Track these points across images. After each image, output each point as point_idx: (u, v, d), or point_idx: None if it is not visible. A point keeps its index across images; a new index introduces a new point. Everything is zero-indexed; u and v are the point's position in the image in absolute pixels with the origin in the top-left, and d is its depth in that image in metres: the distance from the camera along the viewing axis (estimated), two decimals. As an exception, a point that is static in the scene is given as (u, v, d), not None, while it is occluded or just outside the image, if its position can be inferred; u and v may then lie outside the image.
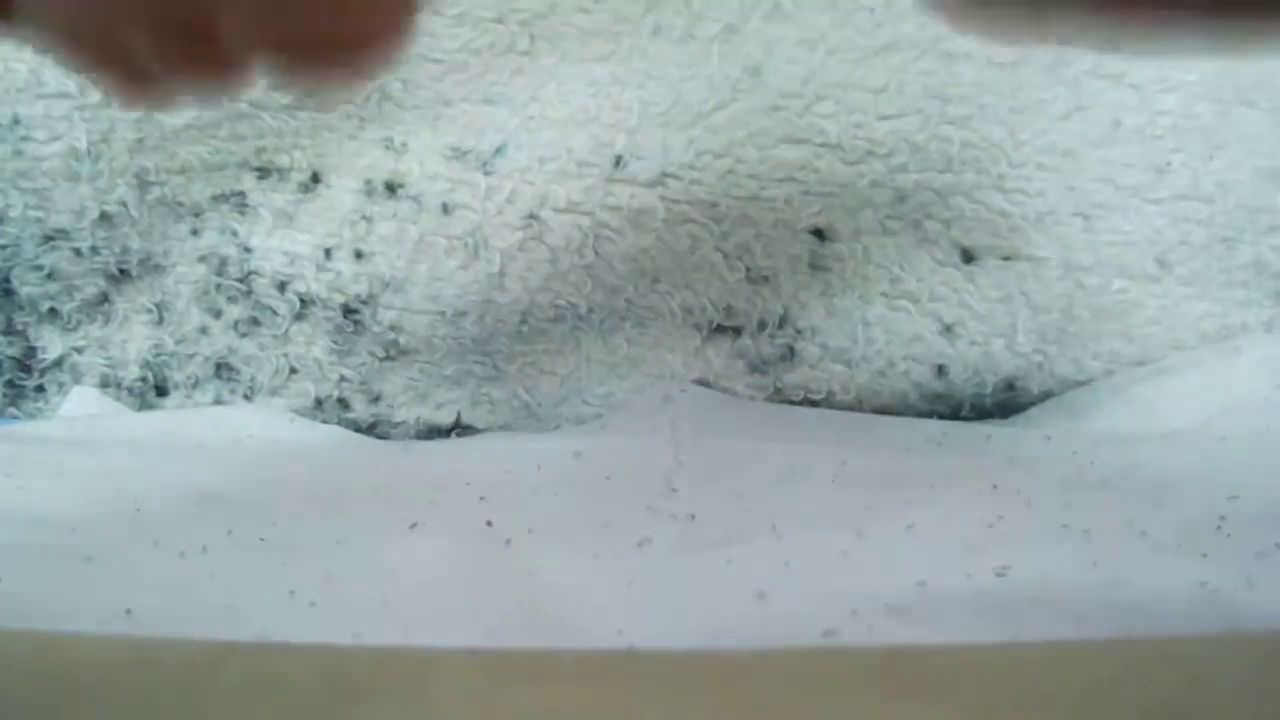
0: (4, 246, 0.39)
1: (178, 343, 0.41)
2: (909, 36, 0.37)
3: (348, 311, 0.40)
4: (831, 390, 0.40)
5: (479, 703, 0.16)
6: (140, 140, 0.38)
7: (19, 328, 0.41)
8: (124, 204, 0.39)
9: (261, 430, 0.38)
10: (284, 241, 0.40)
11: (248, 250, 0.40)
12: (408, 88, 0.38)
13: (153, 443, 0.36)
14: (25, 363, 0.41)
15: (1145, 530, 0.25)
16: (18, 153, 0.38)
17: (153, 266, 0.40)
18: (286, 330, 0.40)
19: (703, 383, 0.40)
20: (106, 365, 0.41)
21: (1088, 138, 0.38)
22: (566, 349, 0.41)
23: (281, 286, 0.40)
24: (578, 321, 0.40)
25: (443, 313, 0.39)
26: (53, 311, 0.41)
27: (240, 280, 0.40)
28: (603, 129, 0.38)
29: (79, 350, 0.41)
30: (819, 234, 0.39)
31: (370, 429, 0.41)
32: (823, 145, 0.37)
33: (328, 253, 0.40)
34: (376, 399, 0.41)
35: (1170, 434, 0.35)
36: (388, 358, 0.40)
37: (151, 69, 0.18)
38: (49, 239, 0.39)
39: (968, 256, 0.39)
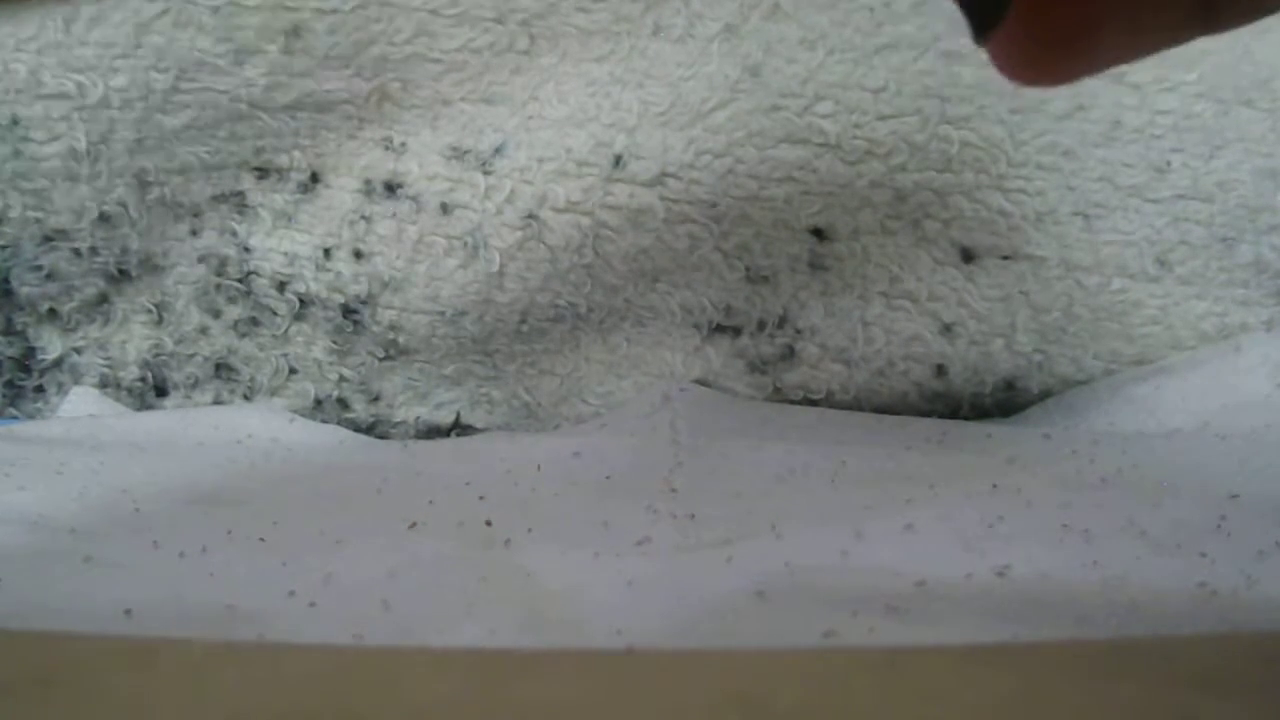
0: (3, 247, 0.39)
1: (177, 343, 0.41)
2: (909, 36, 0.37)
3: (347, 311, 0.40)
4: (831, 390, 0.40)
5: (479, 703, 0.16)
6: (140, 140, 0.38)
7: (18, 328, 0.41)
8: (123, 204, 0.39)
9: (261, 430, 0.38)
10: (283, 241, 0.40)
11: (247, 250, 0.40)
12: (407, 88, 0.38)
13: (153, 443, 0.36)
14: (25, 363, 0.41)
15: (1145, 530, 0.25)
16: (17, 153, 0.38)
17: (152, 267, 0.40)
18: (286, 330, 0.40)
19: (703, 382, 0.40)
20: (106, 365, 0.41)
21: (1088, 138, 0.38)
22: (566, 349, 0.41)
23: (281, 286, 0.40)
24: (577, 321, 0.40)
25: (442, 312, 0.39)
26: (52, 312, 0.40)
27: (240, 280, 0.40)
28: (602, 129, 0.38)
29: (78, 351, 0.41)
30: (818, 234, 0.39)
31: (370, 429, 0.41)
32: (822, 145, 0.37)
33: (327, 253, 0.40)
34: (376, 399, 0.41)
35: (1170, 434, 0.35)
36: (387, 358, 0.40)
37: None
38: (48, 239, 0.39)
39: (967, 256, 0.39)
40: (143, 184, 0.39)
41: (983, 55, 0.38)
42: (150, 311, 0.41)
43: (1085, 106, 0.38)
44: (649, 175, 0.38)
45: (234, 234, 0.40)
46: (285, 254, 0.40)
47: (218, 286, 0.40)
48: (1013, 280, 0.39)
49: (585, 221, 0.38)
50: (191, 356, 0.41)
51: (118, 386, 0.41)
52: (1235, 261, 0.38)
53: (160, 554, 0.25)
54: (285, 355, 0.41)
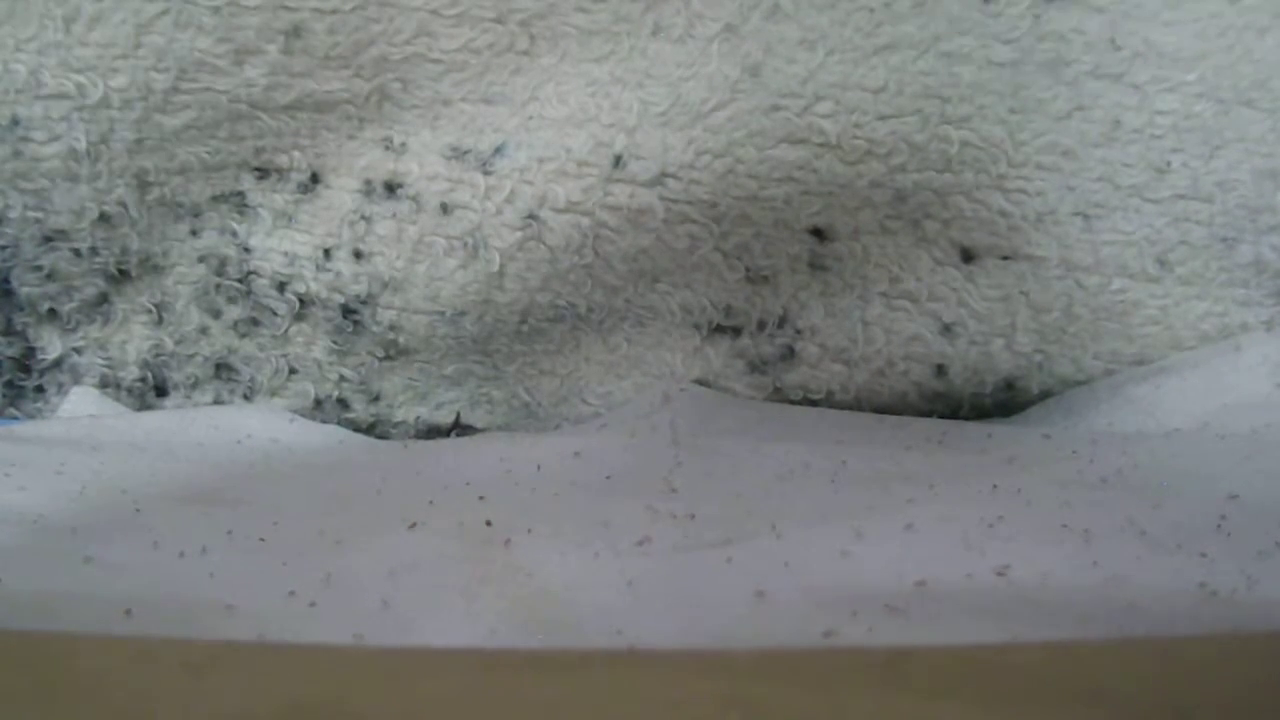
0: (3, 247, 0.39)
1: (177, 343, 0.41)
2: (909, 36, 0.37)
3: (347, 312, 0.40)
4: (831, 390, 0.40)
5: (479, 703, 0.16)
6: (140, 141, 0.38)
7: (18, 328, 0.41)
8: (123, 204, 0.39)
9: (261, 430, 0.38)
10: (283, 242, 0.40)
11: (247, 250, 0.40)
12: (407, 88, 0.38)
13: (153, 443, 0.36)
14: (25, 363, 0.41)
15: (1145, 530, 0.25)
16: (17, 153, 0.38)
17: (152, 267, 0.40)
18: (286, 330, 0.40)
19: (703, 383, 0.40)
20: (106, 366, 0.41)
21: (1088, 138, 0.38)
22: (566, 349, 0.41)
23: (281, 287, 0.40)
24: (578, 321, 0.40)
25: (442, 312, 0.39)
26: (52, 312, 0.40)
27: (240, 280, 0.40)
28: (602, 129, 0.38)
29: (78, 351, 0.41)
30: (818, 234, 0.39)
31: (370, 429, 0.41)
32: (822, 145, 0.37)
33: (327, 253, 0.40)
34: (376, 399, 0.41)
35: (1170, 434, 0.35)
36: (387, 358, 0.40)
37: None
38: (48, 240, 0.39)
39: (967, 256, 0.39)
40: (143, 184, 0.39)
41: (983, 55, 0.38)
42: (150, 311, 0.41)
43: (1085, 106, 0.38)
44: (649, 175, 0.38)
45: (234, 234, 0.40)
46: (285, 254, 0.40)
47: (218, 286, 0.40)
48: (1013, 280, 0.39)
49: (585, 221, 0.38)
50: (191, 356, 0.41)
51: (118, 386, 0.41)
52: (1235, 261, 0.38)
53: (160, 554, 0.25)
54: (285, 355, 0.41)
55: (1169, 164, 0.38)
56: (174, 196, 0.40)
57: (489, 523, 0.27)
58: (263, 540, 0.26)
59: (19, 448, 0.34)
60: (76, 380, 0.41)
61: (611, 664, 0.17)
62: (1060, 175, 0.38)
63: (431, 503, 0.29)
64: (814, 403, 0.40)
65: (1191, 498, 0.28)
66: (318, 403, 0.41)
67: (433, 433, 0.41)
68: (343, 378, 0.41)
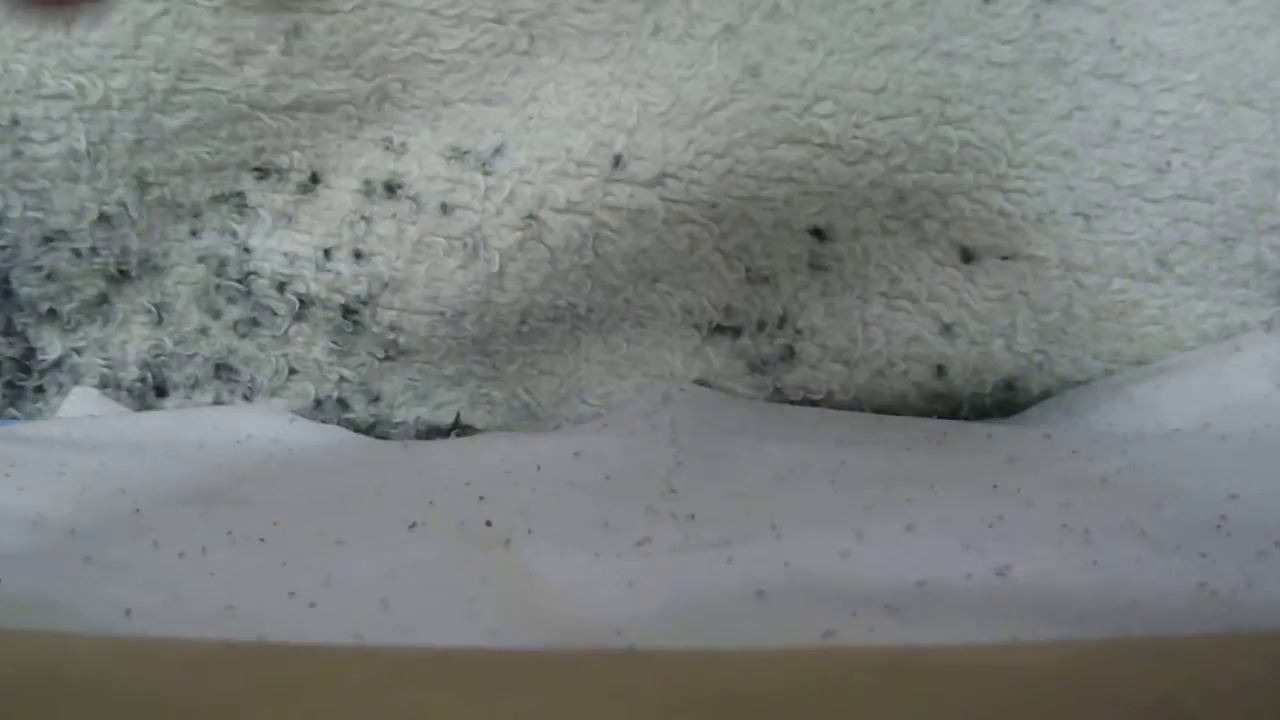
0: (3, 247, 0.39)
1: (177, 343, 0.41)
2: (909, 36, 0.37)
3: (347, 312, 0.40)
4: (831, 390, 0.40)
5: (478, 703, 0.16)
6: (140, 141, 0.38)
7: (18, 328, 0.41)
8: (123, 205, 0.39)
9: (261, 430, 0.38)
10: (283, 242, 0.40)
11: (247, 251, 0.40)
12: (407, 88, 0.38)
13: (153, 443, 0.36)
14: (25, 363, 0.41)
15: (1145, 530, 0.25)
16: (17, 154, 0.38)
17: (152, 267, 0.40)
18: (286, 331, 0.40)
19: (703, 383, 0.40)
20: (106, 366, 0.41)
21: (1088, 138, 0.38)
22: (566, 349, 0.41)
23: (281, 287, 0.40)
24: (577, 321, 0.40)
25: (442, 313, 0.39)
26: (52, 312, 0.40)
27: (239, 281, 0.40)
28: (602, 129, 0.38)
29: (78, 351, 0.41)
30: (818, 234, 0.39)
31: (370, 429, 0.41)
32: (822, 145, 0.37)
33: (327, 253, 0.40)
34: (376, 399, 0.41)
35: (1170, 434, 0.35)
36: (387, 358, 0.40)
37: None
38: (48, 240, 0.39)
39: (967, 256, 0.39)
40: (143, 184, 0.39)
41: (982, 55, 0.38)
42: (150, 312, 0.41)
43: (1085, 106, 0.38)
44: (649, 175, 0.38)
45: (234, 234, 0.40)
46: (285, 254, 0.40)
47: (218, 287, 0.40)
48: (1013, 280, 0.39)
49: (585, 222, 0.38)
50: (191, 357, 0.41)
51: (118, 387, 0.41)
52: (1235, 261, 0.38)
53: (160, 554, 0.25)
54: (285, 356, 0.41)
55: (1169, 164, 0.38)
56: (174, 196, 0.40)
57: (489, 523, 0.27)
58: (263, 540, 0.26)
59: (19, 448, 0.34)
60: (76, 380, 0.41)
61: (611, 664, 0.17)
62: (1060, 175, 0.38)
63: (431, 503, 0.29)
64: (814, 403, 0.40)
65: (1191, 498, 0.28)
66: (318, 403, 0.41)
67: (433, 433, 0.41)
68: (343, 378, 0.41)
